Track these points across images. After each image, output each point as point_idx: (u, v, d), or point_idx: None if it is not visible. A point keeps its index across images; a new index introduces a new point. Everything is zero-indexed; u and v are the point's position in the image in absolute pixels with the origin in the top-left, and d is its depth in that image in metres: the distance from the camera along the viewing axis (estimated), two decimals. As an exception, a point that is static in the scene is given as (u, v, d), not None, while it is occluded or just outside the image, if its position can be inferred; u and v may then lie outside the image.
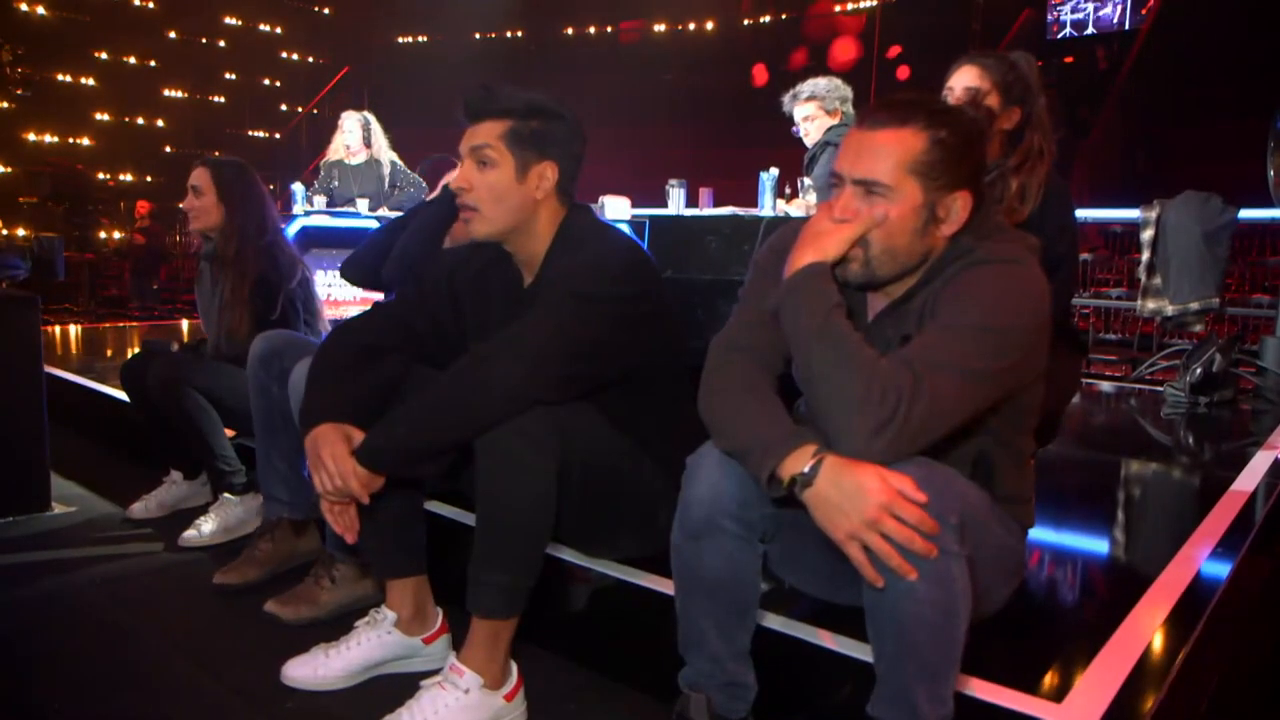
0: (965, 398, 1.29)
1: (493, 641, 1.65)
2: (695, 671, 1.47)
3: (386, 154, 5.59)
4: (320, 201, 5.55)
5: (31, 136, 13.10)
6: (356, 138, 5.49)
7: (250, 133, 14.98)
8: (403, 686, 1.72)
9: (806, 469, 1.23)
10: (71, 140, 13.44)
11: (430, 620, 1.91)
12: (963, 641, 1.25)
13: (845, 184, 1.41)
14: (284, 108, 15.43)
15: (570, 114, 1.80)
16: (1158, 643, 1.63)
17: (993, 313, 1.32)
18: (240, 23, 15.39)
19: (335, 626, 1.95)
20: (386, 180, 5.59)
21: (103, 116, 13.84)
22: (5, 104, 12.71)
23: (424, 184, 5.89)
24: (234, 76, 15.35)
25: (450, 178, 2.41)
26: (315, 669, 1.82)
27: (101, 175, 13.47)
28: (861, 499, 1.18)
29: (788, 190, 4.63)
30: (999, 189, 2.16)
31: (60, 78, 13.46)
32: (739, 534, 1.37)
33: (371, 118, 5.55)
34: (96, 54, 13.72)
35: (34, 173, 12.07)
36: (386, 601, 1.90)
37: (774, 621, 1.64)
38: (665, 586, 1.74)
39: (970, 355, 1.28)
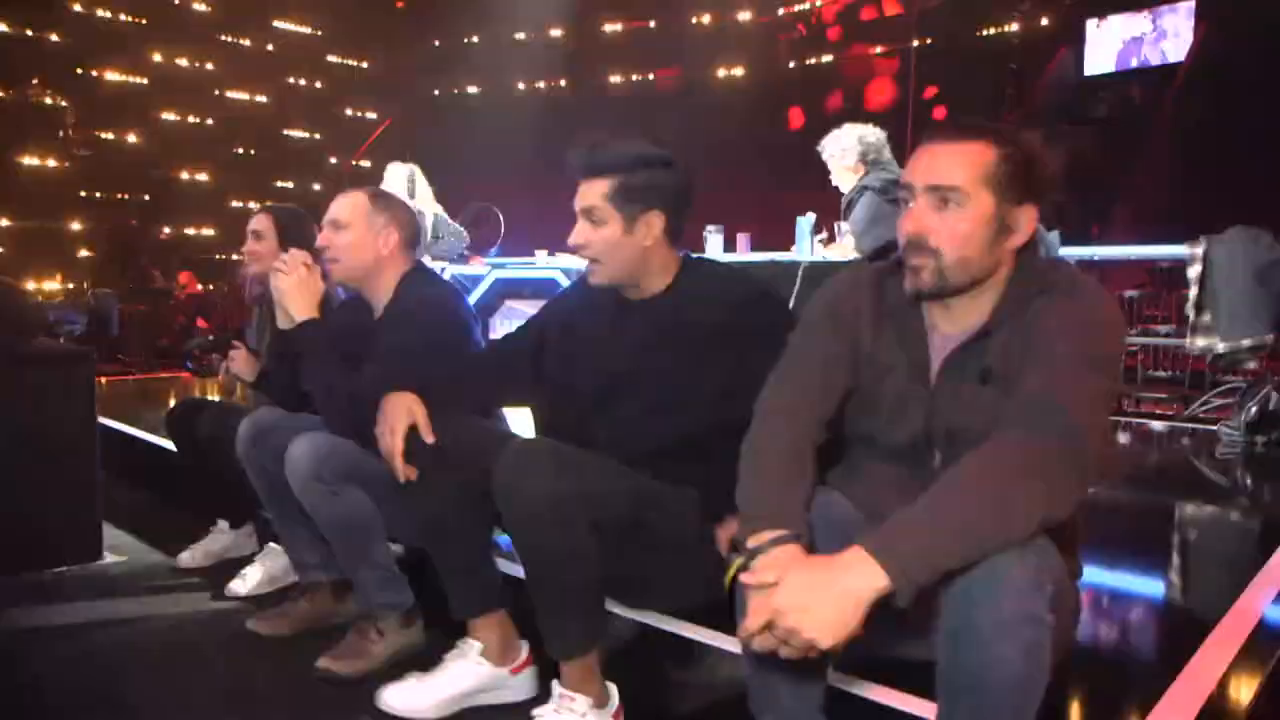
0: (1103, 426, 1.29)
1: (584, 672, 1.72)
2: None
3: (431, 206, 5.68)
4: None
5: (93, 194, 13.51)
6: (401, 189, 5.60)
7: (293, 185, 15.29)
8: (490, 717, 1.83)
9: (753, 547, 1.23)
10: (122, 196, 13.83)
11: (516, 652, 1.95)
12: (1035, 712, 1.20)
13: (915, 195, 1.40)
14: (334, 160, 15.77)
15: (676, 158, 1.87)
16: (1221, 693, 1.57)
17: (1101, 342, 1.32)
18: (291, 80, 15.83)
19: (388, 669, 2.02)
20: (429, 232, 5.68)
21: (157, 171, 14.27)
22: (68, 164, 13.15)
23: (465, 234, 6.00)
24: (292, 132, 15.77)
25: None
26: (410, 698, 1.87)
27: (157, 229, 13.84)
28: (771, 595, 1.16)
29: (824, 235, 4.64)
30: None
31: (127, 138, 13.91)
32: None
33: (417, 170, 5.65)
34: (154, 115, 14.17)
35: (93, 229, 12.46)
36: (469, 634, 1.93)
37: (834, 678, 1.61)
38: (727, 643, 1.75)
39: (1099, 385, 1.29)
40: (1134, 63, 11.17)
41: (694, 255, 1.97)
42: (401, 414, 1.84)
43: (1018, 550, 1.15)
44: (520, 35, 15.38)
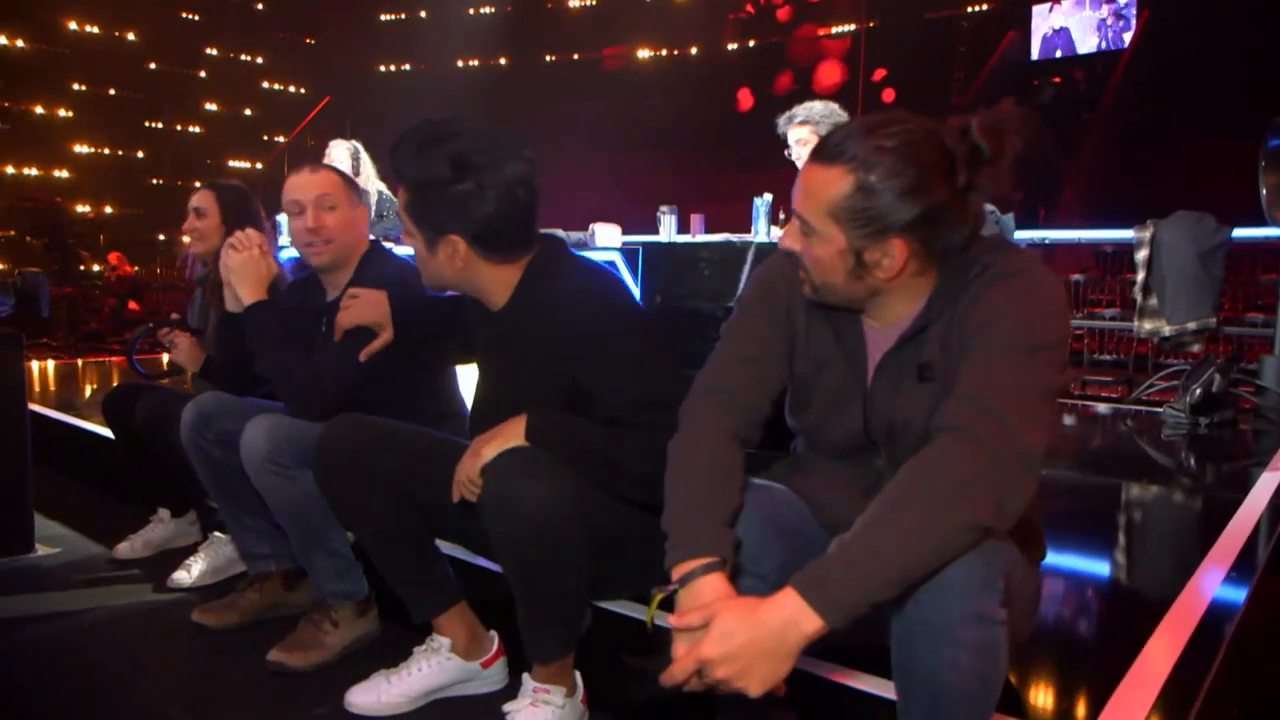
0: (1048, 421, 1.20)
1: (562, 666, 1.69)
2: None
3: (374, 183, 5.54)
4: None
5: (9, 170, 12.99)
6: (345, 167, 5.45)
7: (231, 163, 14.88)
8: (460, 710, 1.82)
9: (677, 579, 1.21)
10: (47, 172, 13.32)
11: (485, 644, 1.92)
12: (995, 703, 1.18)
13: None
14: (266, 138, 15.37)
15: (482, 168, 1.62)
16: (1178, 673, 1.58)
17: (1040, 330, 1.23)
18: (219, 53, 15.35)
19: (340, 665, 1.95)
20: (373, 209, 5.54)
21: (81, 148, 13.75)
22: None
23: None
24: (214, 107, 15.30)
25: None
26: (379, 695, 1.82)
27: (81, 208, 13.34)
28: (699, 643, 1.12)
29: (781, 215, 4.62)
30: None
31: (38, 110, 13.38)
32: (752, 586, 1.31)
33: (360, 147, 5.51)
34: (74, 85, 13.65)
35: (12, 207, 11.96)
36: (435, 631, 1.88)
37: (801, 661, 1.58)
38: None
39: (1040, 377, 1.20)
40: (1080, 49, 11.37)
41: (550, 238, 1.79)
42: (374, 311, 1.95)
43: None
44: (471, 11, 15.16)
